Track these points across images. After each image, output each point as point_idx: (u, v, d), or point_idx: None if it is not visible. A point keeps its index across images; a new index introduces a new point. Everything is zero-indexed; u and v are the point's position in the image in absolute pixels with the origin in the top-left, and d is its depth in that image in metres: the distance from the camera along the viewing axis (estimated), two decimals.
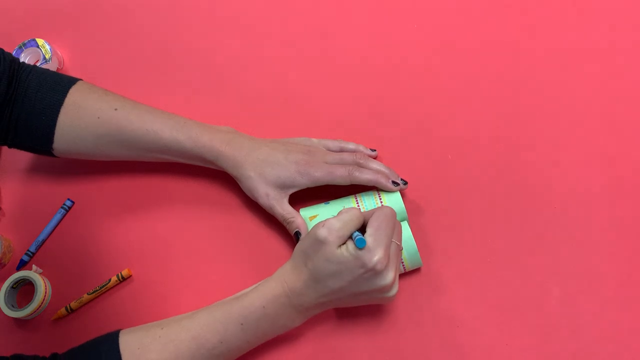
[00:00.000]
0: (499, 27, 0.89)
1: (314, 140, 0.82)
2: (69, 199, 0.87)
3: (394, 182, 0.76)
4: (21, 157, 0.91)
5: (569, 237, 0.78)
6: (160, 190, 0.87)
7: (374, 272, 0.65)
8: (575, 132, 0.83)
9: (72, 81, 0.79)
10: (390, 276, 0.66)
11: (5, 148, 0.91)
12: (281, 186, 0.76)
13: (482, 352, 0.75)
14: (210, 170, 0.83)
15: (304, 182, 0.76)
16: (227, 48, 0.93)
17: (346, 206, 0.77)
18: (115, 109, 0.78)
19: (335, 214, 0.76)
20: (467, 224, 0.80)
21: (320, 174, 0.76)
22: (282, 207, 0.77)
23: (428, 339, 0.76)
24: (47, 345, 0.82)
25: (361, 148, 0.82)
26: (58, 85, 0.78)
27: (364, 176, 0.75)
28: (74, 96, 0.78)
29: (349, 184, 0.76)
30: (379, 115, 0.87)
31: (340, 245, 0.66)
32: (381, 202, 0.76)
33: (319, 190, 0.79)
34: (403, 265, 0.75)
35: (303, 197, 0.81)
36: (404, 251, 0.74)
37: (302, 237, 0.74)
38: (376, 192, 0.78)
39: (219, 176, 0.86)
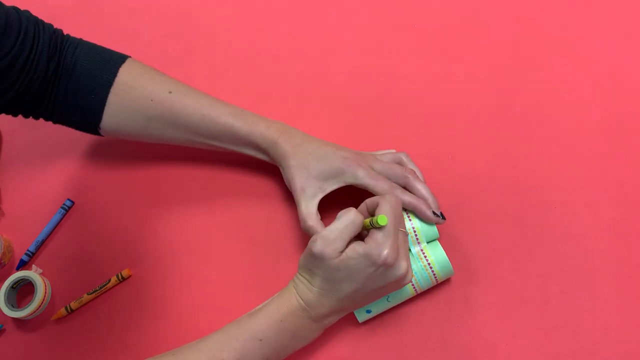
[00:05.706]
0: (499, 27, 0.89)
1: (374, 152, 0.80)
2: (69, 199, 0.87)
3: (434, 213, 0.72)
4: (21, 157, 0.91)
5: (569, 237, 0.78)
6: (160, 190, 0.87)
7: (386, 266, 0.64)
8: (575, 132, 0.83)
9: (121, 59, 0.77)
10: (403, 266, 0.65)
11: (5, 147, 0.91)
12: (321, 177, 0.73)
13: (482, 352, 0.75)
14: (211, 170, 0.84)
15: (345, 177, 0.73)
16: (228, 48, 0.93)
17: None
18: (170, 92, 0.76)
19: None
20: (466, 224, 0.80)
21: (363, 174, 0.72)
22: (306, 206, 0.73)
23: (428, 339, 0.76)
24: (47, 345, 0.82)
25: (417, 170, 0.77)
26: (108, 63, 0.76)
27: (405, 197, 0.72)
28: (124, 75, 0.76)
29: None
30: (379, 115, 0.87)
31: (342, 251, 0.64)
32: (408, 215, 0.74)
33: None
34: (435, 277, 0.73)
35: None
36: (436, 265, 0.72)
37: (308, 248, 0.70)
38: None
39: (219, 176, 0.86)
